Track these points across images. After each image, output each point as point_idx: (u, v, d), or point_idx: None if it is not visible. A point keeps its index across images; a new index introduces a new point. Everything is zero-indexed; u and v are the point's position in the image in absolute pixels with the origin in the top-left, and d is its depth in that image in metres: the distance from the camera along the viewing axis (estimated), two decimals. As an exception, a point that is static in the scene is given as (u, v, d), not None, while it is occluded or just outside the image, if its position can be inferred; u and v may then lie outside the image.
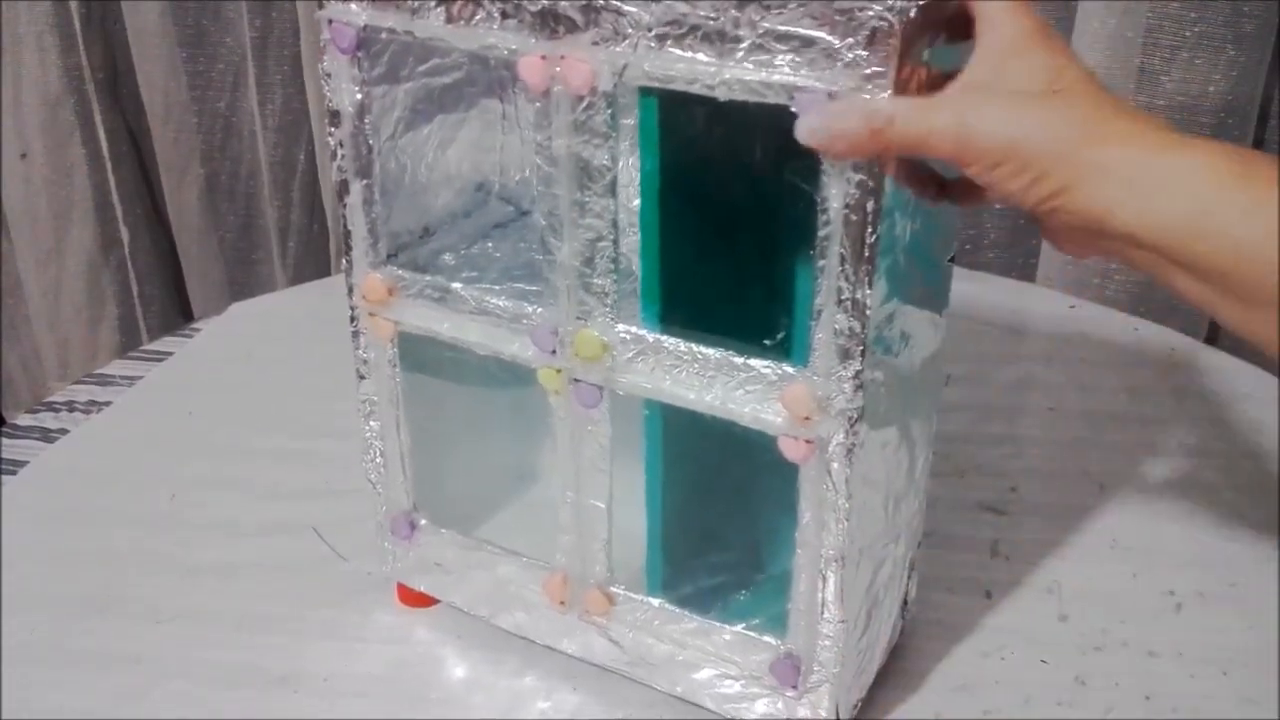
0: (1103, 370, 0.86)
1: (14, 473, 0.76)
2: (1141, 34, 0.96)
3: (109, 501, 0.73)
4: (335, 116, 0.53)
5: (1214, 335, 1.08)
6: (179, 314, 1.38)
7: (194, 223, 1.31)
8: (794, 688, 0.53)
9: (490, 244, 0.62)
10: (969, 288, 0.98)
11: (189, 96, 1.24)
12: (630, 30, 0.45)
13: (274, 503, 0.71)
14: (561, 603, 0.57)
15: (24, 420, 0.83)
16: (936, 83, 0.42)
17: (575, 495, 0.55)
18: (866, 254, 0.44)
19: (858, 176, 0.42)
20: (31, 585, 0.66)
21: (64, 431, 0.81)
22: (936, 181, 0.47)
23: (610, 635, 0.57)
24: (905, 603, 0.60)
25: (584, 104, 0.47)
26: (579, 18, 0.46)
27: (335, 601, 0.64)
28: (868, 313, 0.45)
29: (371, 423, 0.60)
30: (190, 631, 0.63)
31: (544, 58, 0.47)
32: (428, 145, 0.58)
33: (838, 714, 0.53)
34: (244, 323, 0.94)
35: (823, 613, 0.51)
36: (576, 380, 0.52)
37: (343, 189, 0.55)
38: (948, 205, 0.48)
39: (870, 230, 0.43)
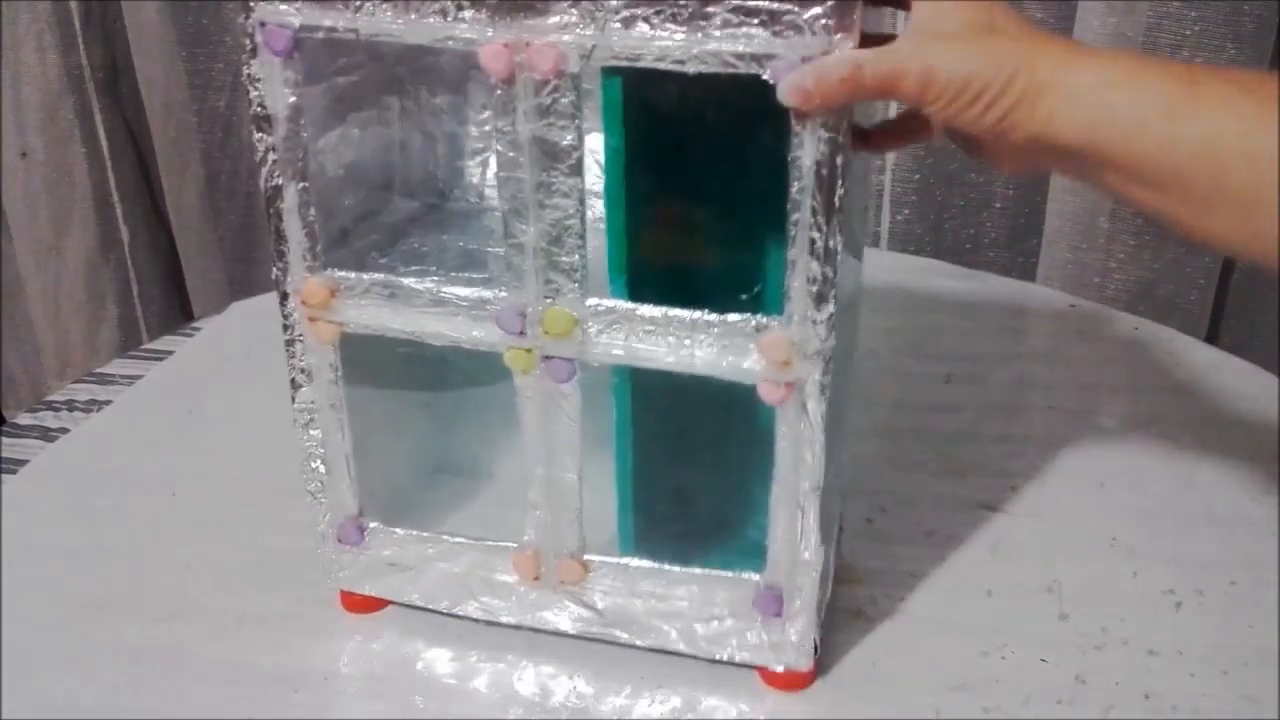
0: (1103, 369, 0.86)
1: (14, 472, 0.76)
2: (1141, 33, 0.96)
3: (109, 500, 0.74)
4: (266, 121, 0.53)
5: (1214, 334, 1.08)
6: (179, 313, 1.38)
7: (194, 221, 1.31)
8: (778, 616, 0.56)
9: (414, 240, 0.63)
10: (969, 286, 0.99)
11: (189, 95, 1.24)
12: (597, 12, 0.46)
13: (273, 501, 0.71)
14: (535, 578, 0.58)
15: (24, 419, 0.83)
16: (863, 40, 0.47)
17: (545, 470, 0.56)
18: (837, 205, 0.47)
19: (827, 134, 0.46)
20: (31, 583, 0.66)
21: (64, 430, 0.81)
22: (858, 133, 0.52)
23: (585, 601, 0.58)
24: (841, 529, 0.64)
25: (549, 87, 0.48)
26: (543, 3, 0.46)
27: (335, 600, 0.64)
28: (838, 259, 0.48)
29: (312, 432, 0.59)
30: (189, 629, 0.63)
31: (507, 45, 0.47)
32: (343, 145, 0.58)
33: (815, 636, 0.57)
34: (244, 321, 0.94)
35: (802, 542, 0.54)
36: (548, 357, 0.53)
37: (275, 194, 0.54)
38: (866, 154, 0.54)
39: (840, 183, 0.47)
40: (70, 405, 0.84)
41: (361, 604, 0.63)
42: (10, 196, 1.26)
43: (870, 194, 0.57)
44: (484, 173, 0.68)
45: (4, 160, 1.24)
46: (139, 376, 0.87)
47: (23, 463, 0.77)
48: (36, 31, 1.19)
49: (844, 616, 0.62)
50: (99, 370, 0.89)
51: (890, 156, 1.09)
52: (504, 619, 0.61)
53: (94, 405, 0.83)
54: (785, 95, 0.45)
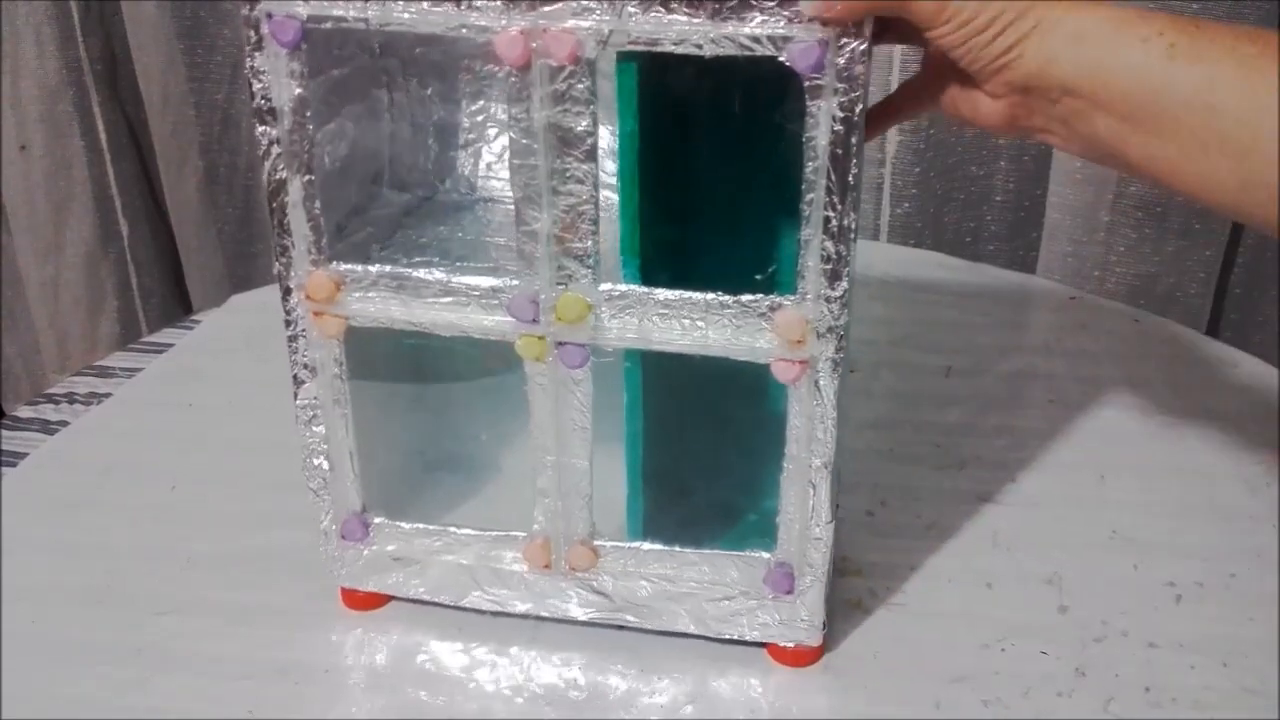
0: (1103, 362, 0.86)
1: (14, 465, 0.76)
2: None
3: (109, 493, 0.74)
4: (270, 114, 0.52)
5: (1214, 327, 1.08)
6: (179, 306, 1.38)
7: (193, 214, 1.31)
8: (789, 593, 0.56)
9: (411, 232, 0.63)
10: (969, 279, 0.98)
11: (187, 88, 1.24)
12: None
13: (274, 494, 0.71)
14: (546, 566, 0.58)
15: (24, 412, 0.83)
16: None
17: (556, 458, 0.56)
18: (851, 183, 0.48)
19: (842, 114, 0.46)
20: (31, 577, 0.66)
21: (64, 423, 0.81)
22: None
23: (596, 587, 0.59)
24: (836, 505, 0.64)
25: (564, 74, 0.48)
26: None
27: (335, 593, 0.64)
28: (852, 237, 0.49)
29: (315, 428, 0.59)
30: (190, 623, 0.63)
31: (523, 32, 0.47)
32: (339, 138, 0.58)
33: (824, 611, 0.57)
34: (244, 314, 0.94)
35: (812, 518, 0.55)
36: (561, 344, 0.53)
37: (279, 188, 0.53)
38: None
39: (854, 161, 0.47)
40: (70, 398, 0.84)
41: (364, 601, 0.63)
42: (10, 190, 1.26)
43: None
44: (476, 163, 0.68)
45: (3, 154, 1.24)
46: (139, 369, 0.87)
47: (22, 456, 0.77)
48: (35, 25, 1.19)
49: (844, 608, 0.63)
50: (98, 363, 0.89)
51: (890, 150, 1.09)
52: (513, 608, 0.61)
53: (94, 398, 0.83)
54: (808, 6, 0.45)
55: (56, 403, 0.83)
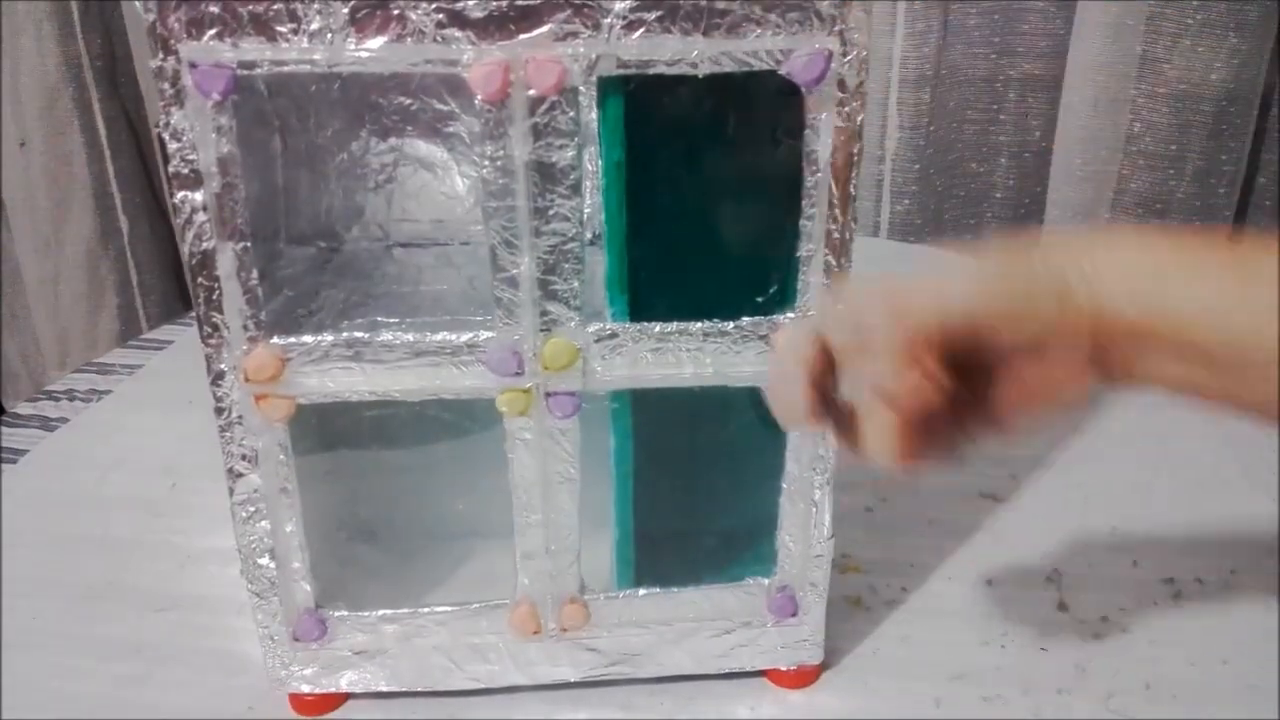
0: (1103, 359, 0.86)
1: (14, 461, 0.76)
2: (1143, 21, 0.95)
3: (109, 489, 0.74)
4: (194, 178, 0.45)
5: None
6: (178, 302, 1.38)
7: (193, 211, 1.31)
8: (794, 615, 0.55)
9: (337, 292, 0.59)
10: (969, 276, 0.98)
11: (188, 85, 1.24)
12: (602, 20, 0.43)
13: (274, 491, 0.71)
14: (535, 632, 0.55)
15: (24, 409, 0.83)
16: None
17: (542, 515, 0.52)
18: (852, 194, 0.47)
19: (842, 124, 0.46)
20: (32, 573, 0.66)
21: (64, 420, 0.81)
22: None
23: (590, 645, 0.56)
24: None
25: (546, 105, 0.44)
26: (538, 15, 0.43)
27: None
28: (851, 248, 0.48)
29: (260, 524, 0.53)
30: (190, 619, 0.63)
31: (502, 63, 0.44)
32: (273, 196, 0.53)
33: (824, 627, 0.57)
34: (244, 311, 0.94)
35: (814, 535, 0.54)
36: (551, 394, 0.50)
37: (206, 260, 0.47)
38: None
39: (854, 172, 0.47)
40: (70, 395, 0.84)
41: (317, 705, 0.57)
42: (9, 187, 1.26)
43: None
44: (388, 207, 0.62)
45: (3, 150, 1.24)
46: (139, 366, 0.87)
47: (23, 452, 0.77)
48: (35, 21, 1.19)
49: (844, 605, 0.63)
50: (99, 360, 0.89)
51: (891, 146, 1.09)
52: (496, 683, 0.57)
53: (94, 395, 0.83)
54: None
55: (56, 400, 0.83)
